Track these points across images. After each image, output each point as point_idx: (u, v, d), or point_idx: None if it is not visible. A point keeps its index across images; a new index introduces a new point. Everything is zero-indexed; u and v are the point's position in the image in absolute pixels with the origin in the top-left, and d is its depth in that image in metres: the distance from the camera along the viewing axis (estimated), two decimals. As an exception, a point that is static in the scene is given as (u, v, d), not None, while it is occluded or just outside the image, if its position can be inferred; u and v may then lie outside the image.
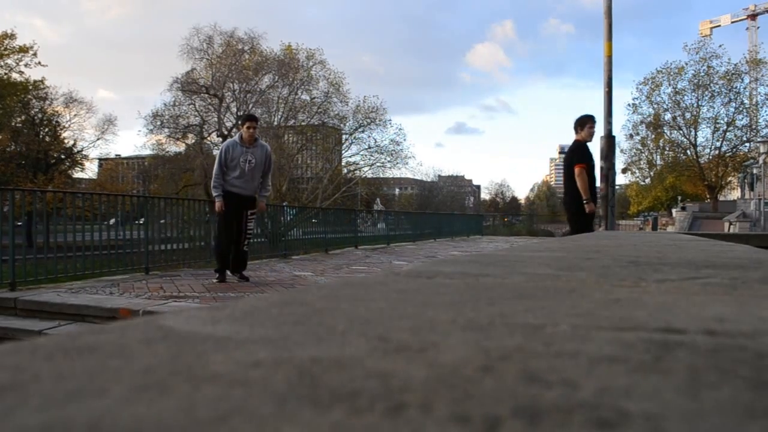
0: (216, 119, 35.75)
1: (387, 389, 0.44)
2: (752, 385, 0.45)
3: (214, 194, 7.83)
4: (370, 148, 38.76)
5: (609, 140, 10.45)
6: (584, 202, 7.42)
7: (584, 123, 7.94)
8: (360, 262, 12.18)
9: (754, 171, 44.00)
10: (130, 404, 0.40)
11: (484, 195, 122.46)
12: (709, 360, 0.54)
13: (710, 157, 47.20)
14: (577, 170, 7.53)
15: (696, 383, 0.46)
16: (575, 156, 7.76)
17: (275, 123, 35.85)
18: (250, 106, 35.17)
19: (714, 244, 3.36)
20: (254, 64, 36.50)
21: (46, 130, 39.31)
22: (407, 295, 0.97)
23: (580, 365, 0.51)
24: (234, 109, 36.12)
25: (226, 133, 35.23)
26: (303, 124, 37.70)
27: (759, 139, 44.71)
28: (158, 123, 34.74)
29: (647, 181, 52.07)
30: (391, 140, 39.46)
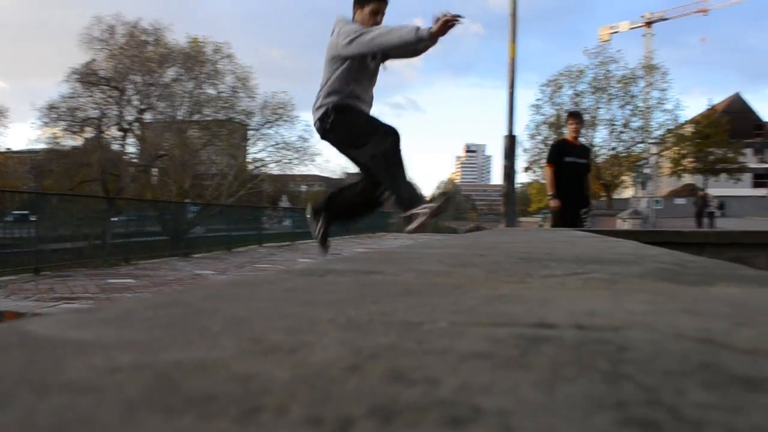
0: (116, 112, 34.45)
1: (246, 392, 0.43)
2: (607, 378, 0.47)
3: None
4: (277, 144, 38.36)
5: (511, 140, 10.75)
6: (548, 197, 7.82)
7: (567, 120, 8.28)
8: (264, 260, 12.04)
9: (646, 171, 46.27)
10: (-37, 417, 0.37)
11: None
12: (572, 354, 0.55)
13: (606, 157, 49.27)
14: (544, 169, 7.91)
15: (554, 377, 0.47)
16: (547, 155, 8.24)
17: (179, 117, 34.92)
18: (153, 99, 34.13)
19: (604, 241, 3.51)
20: (158, 57, 35.37)
21: (-74, 121, 36.88)
22: (294, 294, 0.96)
23: (448, 362, 0.52)
24: (136, 102, 34.95)
25: (126, 127, 34.06)
26: (208, 119, 36.88)
27: (651, 141, 47.07)
28: (54, 115, 33.12)
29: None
30: (299, 137, 39.18)
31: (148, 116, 35.60)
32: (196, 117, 36.20)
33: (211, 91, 36.78)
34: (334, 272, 1.31)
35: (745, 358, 0.55)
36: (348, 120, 4.97)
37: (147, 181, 34.43)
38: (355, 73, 4.88)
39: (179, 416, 0.38)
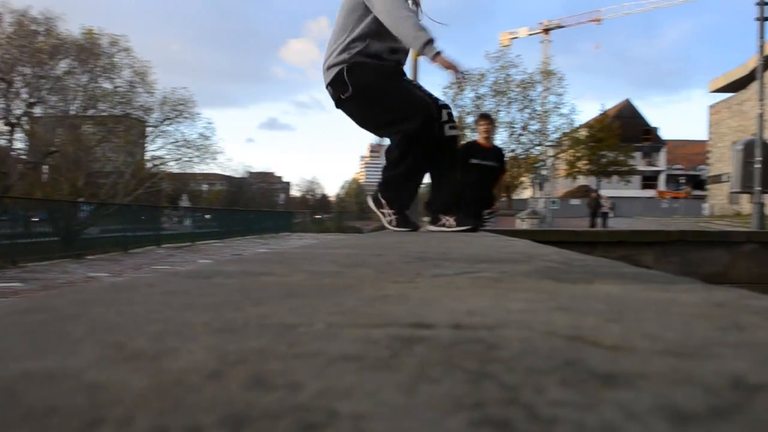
0: (3, 106, 32.67)
1: (92, 403, 0.40)
2: (472, 378, 0.47)
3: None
4: (177, 141, 37.44)
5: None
6: None
7: (477, 122, 8.30)
8: (162, 262, 11.71)
9: (544, 172, 47.94)
10: None
11: (295, 192, 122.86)
12: (443, 354, 0.55)
13: (506, 159, 50.65)
14: None
15: (420, 379, 0.47)
16: None
17: (72, 112, 33.45)
18: (44, 92, 32.54)
19: (499, 240, 3.59)
20: (50, 48, 33.77)
21: None
22: (174, 297, 0.93)
23: (316, 365, 0.51)
24: (25, 96, 33.25)
25: (14, 121, 32.33)
26: (104, 114, 35.54)
27: (548, 143, 48.80)
28: (-68, 108, 31.10)
29: (450, 179, 54.85)
30: (200, 134, 38.39)
31: (38, 110, 33.98)
32: (90, 112, 34.81)
33: (107, 85, 35.51)
34: (221, 274, 1.28)
35: (608, 355, 0.57)
36: (369, 86, 4.15)
37: (37, 178, 32.86)
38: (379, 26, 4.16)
39: (13, 431, 0.35)
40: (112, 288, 1.03)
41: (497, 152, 8.86)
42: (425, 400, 0.41)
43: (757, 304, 0.89)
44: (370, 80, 4.23)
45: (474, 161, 8.02)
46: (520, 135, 49.46)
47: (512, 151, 49.75)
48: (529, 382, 0.46)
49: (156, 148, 37.55)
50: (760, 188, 14.78)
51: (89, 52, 34.19)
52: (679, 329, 0.69)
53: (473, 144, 8.54)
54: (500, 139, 49.03)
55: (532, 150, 50.73)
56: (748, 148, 15.28)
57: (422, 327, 0.69)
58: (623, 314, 0.81)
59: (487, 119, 8.97)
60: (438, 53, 4.08)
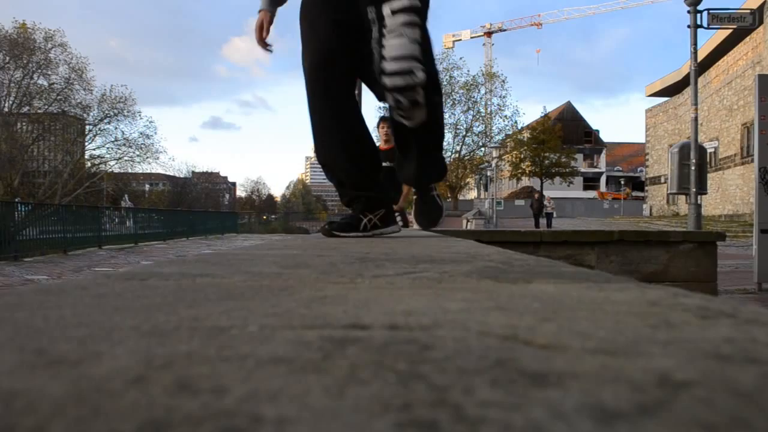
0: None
1: (6, 412, 0.38)
2: (402, 379, 0.47)
3: None
4: (117, 140, 36.68)
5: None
6: None
7: (378, 125, 8.21)
8: (104, 264, 11.43)
9: (488, 173, 48.57)
10: None
11: (240, 192, 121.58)
12: (376, 355, 0.55)
13: (451, 160, 51.18)
14: None
15: (349, 381, 0.46)
16: None
17: (6, 109, 32.37)
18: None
19: (443, 240, 3.62)
20: (-21, 42, 32.63)
21: None
22: (104, 300, 0.90)
23: (244, 369, 0.50)
24: (-47, 91, 32.05)
25: (-57, 119, 31.15)
26: (40, 111, 34.52)
27: (492, 145, 49.46)
28: None
29: (396, 181, 55.26)
30: (141, 133, 37.67)
31: (-33, 107, 32.82)
32: (25, 109, 33.75)
33: (42, 81, 34.48)
34: (157, 276, 1.25)
35: (540, 353, 0.57)
36: None
37: (-31, 178, 31.71)
38: None
39: None
40: (41, 291, 0.99)
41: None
42: (352, 403, 0.41)
43: (688, 302, 0.91)
44: None
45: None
46: (465, 136, 50.02)
47: (457, 152, 50.25)
48: (460, 382, 0.46)
49: (95, 147, 36.70)
50: (695, 189, 15.24)
51: (23, 47, 33.14)
52: (610, 327, 0.70)
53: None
54: (445, 141, 49.48)
55: (476, 151, 51.35)
56: (684, 150, 15.74)
57: (357, 328, 0.68)
58: (558, 313, 0.81)
59: (388, 122, 8.95)
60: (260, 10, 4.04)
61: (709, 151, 28.76)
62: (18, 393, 0.42)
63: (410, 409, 0.40)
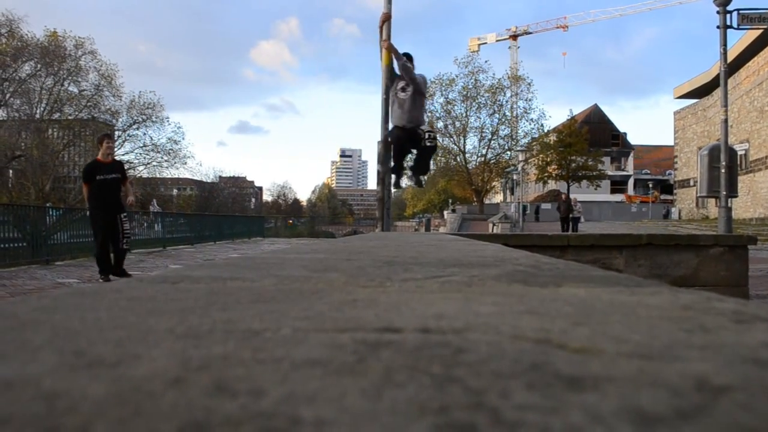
0: (-36, 109, 32.06)
1: (49, 412, 0.39)
2: (437, 382, 0.47)
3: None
4: (145, 146, 37.08)
5: (386, 145, 10.88)
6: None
7: (98, 143, 8.94)
8: (133, 268, 11.53)
9: (514, 177, 48.29)
10: None
11: (267, 196, 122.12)
12: (410, 358, 0.55)
13: (477, 163, 50.99)
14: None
15: (385, 384, 0.46)
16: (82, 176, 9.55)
17: (37, 116, 32.90)
18: (8, 96, 31.97)
19: (470, 244, 3.60)
20: (12, 50, 33.19)
21: None
22: (138, 303, 0.91)
23: (280, 371, 0.50)
24: (-12, 98, 32.63)
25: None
26: (70, 118, 35.05)
27: (518, 148, 49.18)
28: None
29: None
30: (169, 138, 38.03)
31: (1, 113, 33.38)
32: (56, 116, 34.27)
33: (72, 88, 34.99)
34: (188, 279, 1.27)
35: (574, 358, 0.57)
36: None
37: (3, 183, 32.29)
38: None
39: (-39, 443, 0.34)
40: (76, 294, 1.01)
41: (118, 164, 10.09)
42: (389, 405, 0.41)
43: (722, 306, 0.90)
44: None
45: (99, 177, 9.18)
46: (491, 140, 49.79)
47: (483, 155, 50.05)
48: (495, 386, 0.46)
49: (124, 153, 37.17)
50: (725, 192, 15.00)
51: (54, 54, 33.68)
52: (645, 332, 0.70)
53: (96, 162, 9.59)
54: (470, 143, 49.32)
55: (502, 155, 51.09)
56: (714, 153, 15.50)
57: (390, 331, 0.68)
58: (591, 317, 0.81)
59: (110, 138, 10.39)
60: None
61: (739, 153, 28.29)
62: (60, 393, 0.43)
63: (447, 412, 0.40)
